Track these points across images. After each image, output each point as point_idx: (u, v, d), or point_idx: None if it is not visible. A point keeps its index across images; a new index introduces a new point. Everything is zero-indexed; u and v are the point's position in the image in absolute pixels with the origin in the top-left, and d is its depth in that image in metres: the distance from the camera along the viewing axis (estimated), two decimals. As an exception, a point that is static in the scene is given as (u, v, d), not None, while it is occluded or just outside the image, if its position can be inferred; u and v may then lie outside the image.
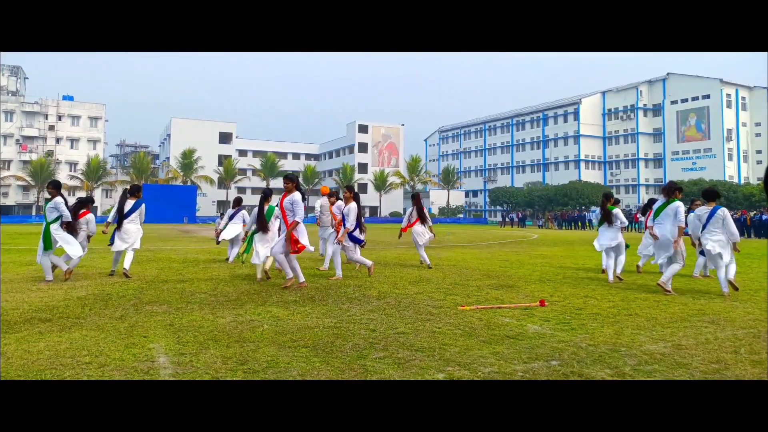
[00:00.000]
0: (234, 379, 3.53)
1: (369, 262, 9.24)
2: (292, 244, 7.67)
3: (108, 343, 4.39)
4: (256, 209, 8.56)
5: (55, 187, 8.30)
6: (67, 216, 8.18)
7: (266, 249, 8.33)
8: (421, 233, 10.84)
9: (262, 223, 8.41)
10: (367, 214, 74.87)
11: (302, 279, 7.78)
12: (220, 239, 11.88)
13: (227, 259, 11.54)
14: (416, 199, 11.04)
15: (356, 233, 8.99)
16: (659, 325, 5.40)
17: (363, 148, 79.33)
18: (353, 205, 8.88)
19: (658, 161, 78.90)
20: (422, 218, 10.97)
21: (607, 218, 9.23)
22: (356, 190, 9.18)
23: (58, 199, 8.17)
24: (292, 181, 7.82)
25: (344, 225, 8.85)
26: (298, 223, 7.57)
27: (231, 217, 11.48)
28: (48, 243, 8.08)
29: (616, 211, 9.21)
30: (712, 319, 5.74)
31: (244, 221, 11.27)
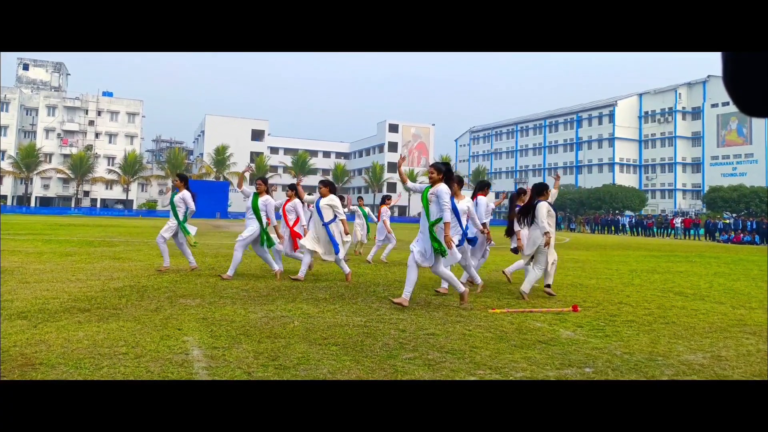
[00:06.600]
0: (266, 374, 3.56)
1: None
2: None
3: (144, 335, 4.49)
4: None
5: (182, 179, 8.81)
6: (193, 208, 8.63)
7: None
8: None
9: None
10: (396, 214, 74.90)
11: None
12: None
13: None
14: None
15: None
16: (697, 334, 5.24)
17: (393, 147, 79.36)
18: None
19: (697, 166, 76.78)
20: None
21: None
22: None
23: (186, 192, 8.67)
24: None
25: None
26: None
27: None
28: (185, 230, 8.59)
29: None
30: (753, 330, 5.55)
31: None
